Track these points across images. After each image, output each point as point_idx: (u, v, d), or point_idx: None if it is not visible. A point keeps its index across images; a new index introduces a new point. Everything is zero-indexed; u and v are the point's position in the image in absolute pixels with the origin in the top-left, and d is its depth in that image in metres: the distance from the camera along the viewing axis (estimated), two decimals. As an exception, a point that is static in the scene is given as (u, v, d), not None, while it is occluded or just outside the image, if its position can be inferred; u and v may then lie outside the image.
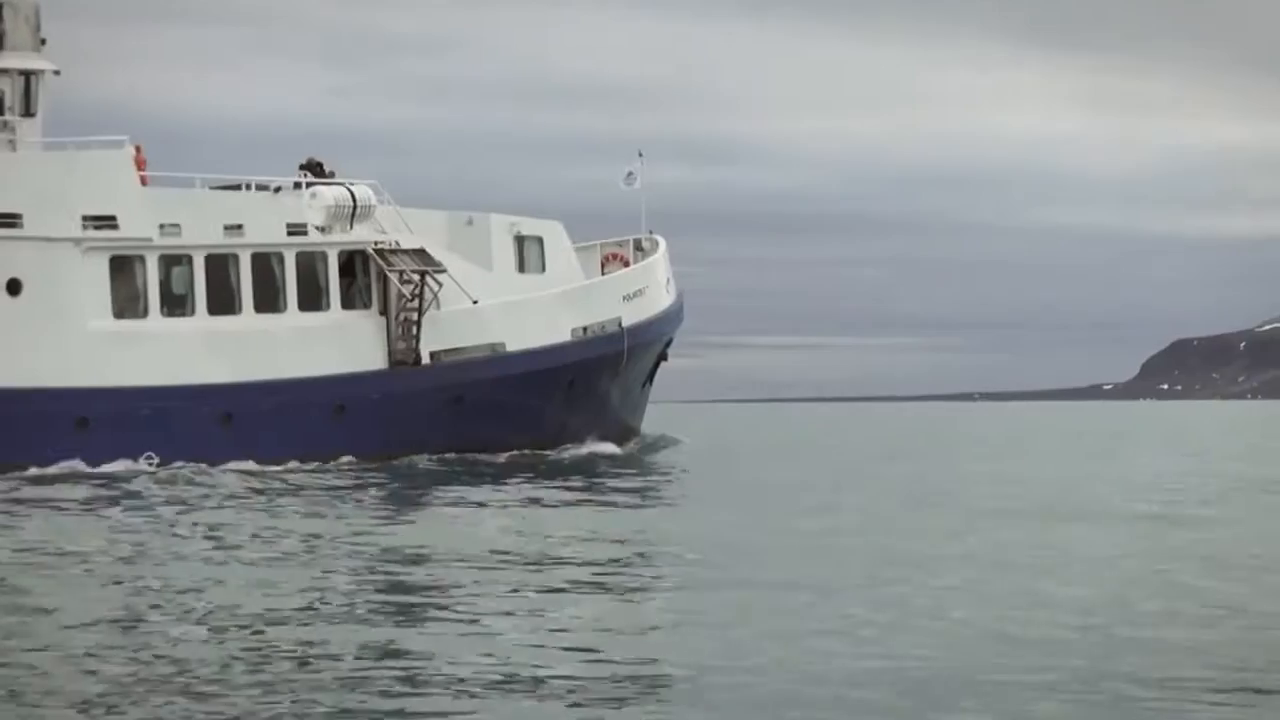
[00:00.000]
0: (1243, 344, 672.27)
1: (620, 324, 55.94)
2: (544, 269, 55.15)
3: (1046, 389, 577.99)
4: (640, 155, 59.18)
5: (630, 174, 58.85)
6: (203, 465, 46.76)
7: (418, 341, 51.24)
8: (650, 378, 59.55)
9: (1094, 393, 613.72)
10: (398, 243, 51.52)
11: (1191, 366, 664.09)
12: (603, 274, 57.66)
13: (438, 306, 51.43)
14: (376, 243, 51.17)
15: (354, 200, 50.66)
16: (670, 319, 58.44)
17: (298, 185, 51.50)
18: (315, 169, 52.72)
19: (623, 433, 58.09)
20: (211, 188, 50.62)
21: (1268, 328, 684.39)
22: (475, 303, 52.18)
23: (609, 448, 55.28)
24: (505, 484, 42.78)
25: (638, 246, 59.03)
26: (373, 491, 41.42)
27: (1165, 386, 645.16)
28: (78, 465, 45.52)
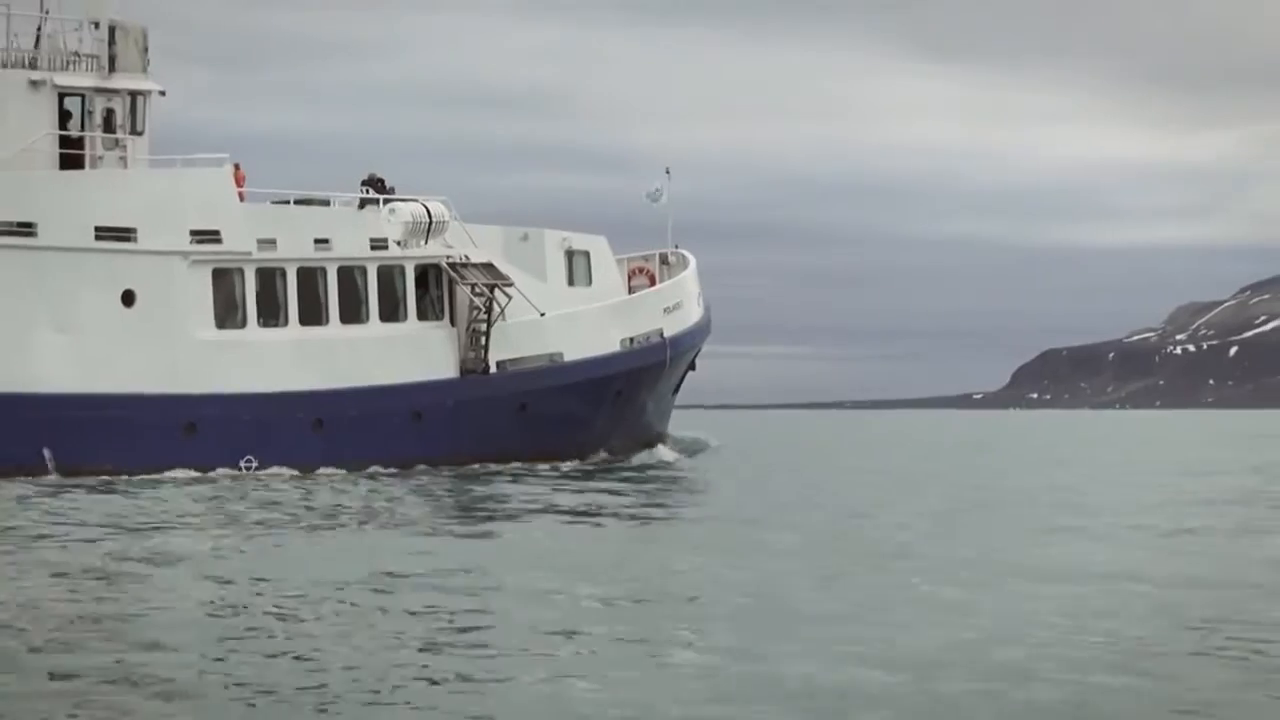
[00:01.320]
0: (1111, 354, 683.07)
1: (662, 335, 58.84)
2: (590, 282, 57.82)
3: (918, 398, 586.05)
4: (667, 173, 62.07)
5: (657, 190, 61.62)
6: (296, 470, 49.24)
7: (486, 351, 53.82)
8: (678, 387, 62.51)
9: (965, 401, 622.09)
10: (467, 257, 54.15)
11: (1061, 376, 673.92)
12: (629, 287, 60.44)
13: (503, 318, 54.03)
14: (448, 257, 53.77)
15: (429, 216, 53.23)
16: (702, 330, 61.39)
17: (363, 202, 53.97)
18: (377, 185, 55.15)
19: (654, 439, 61.01)
20: (295, 201, 53.00)
21: (1136, 338, 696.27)
22: (543, 315, 54.87)
23: (667, 454, 58.36)
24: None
25: (663, 260, 61.78)
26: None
27: (1035, 395, 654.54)
28: (187, 470, 47.77)
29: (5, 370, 45.95)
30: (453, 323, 53.94)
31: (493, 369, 54.12)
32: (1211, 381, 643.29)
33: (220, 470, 48.35)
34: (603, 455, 57.71)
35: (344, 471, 49.92)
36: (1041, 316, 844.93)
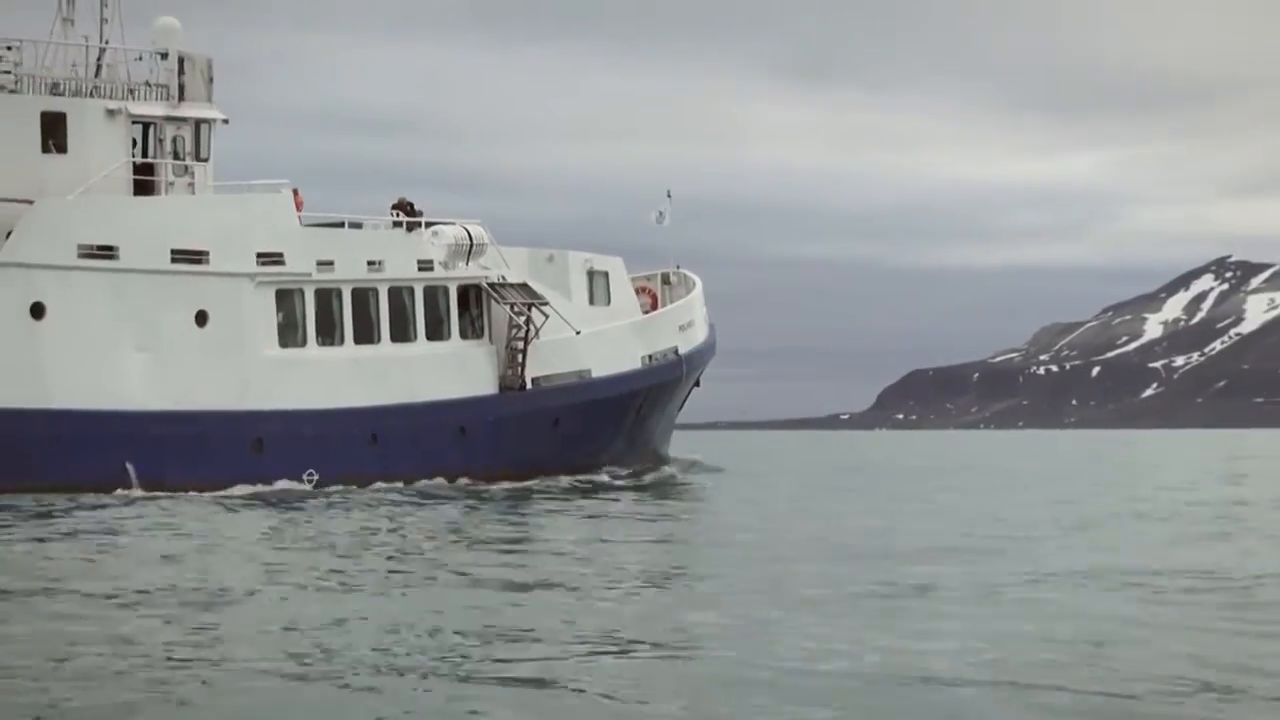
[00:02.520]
0: (975, 375, 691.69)
1: (677, 352, 61.36)
2: (609, 301, 60.12)
3: (787, 419, 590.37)
4: (669, 195, 64.48)
5: (660, 213, 63.99)
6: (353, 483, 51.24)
7: (523, 369, 56.06)
8: (683, 403, 65.00)
9: (832, 422, 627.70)
10: (504, 277, 56.37)
11: (926, 397, 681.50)
12: (631, 306, 62.69)
13: (537, 336, 56.27)
14: (487, 277, 55.96)
15: (470, 238, 55.46)
16: (710, 349, 63.98)
17: (398, 224, 55.94)
18: (407, 208, 57.24)
19: (658, 457, 63.42)
20: (321, 224, 54.80)
21: (1000, 359, 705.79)
22: (578, 333, 57.18)
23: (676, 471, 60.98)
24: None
25: (665, 280, 64.22)
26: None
27: (901, 416, 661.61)
28: (254, 484, 49.62)
29: (91, 387, 47.64)
30: (490, 341, 56.09)
31: (528, 386, 56.30)
32: (1074, 401, 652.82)
33: (283, 484, 50.18)
34: (610, 469, 59.84)
35: (400, 484, 51.85)
36: (907, 337, 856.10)
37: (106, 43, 51.55)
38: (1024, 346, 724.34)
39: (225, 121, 51.84)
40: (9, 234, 47.35)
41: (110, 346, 48.17)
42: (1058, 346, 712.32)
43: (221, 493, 47.87)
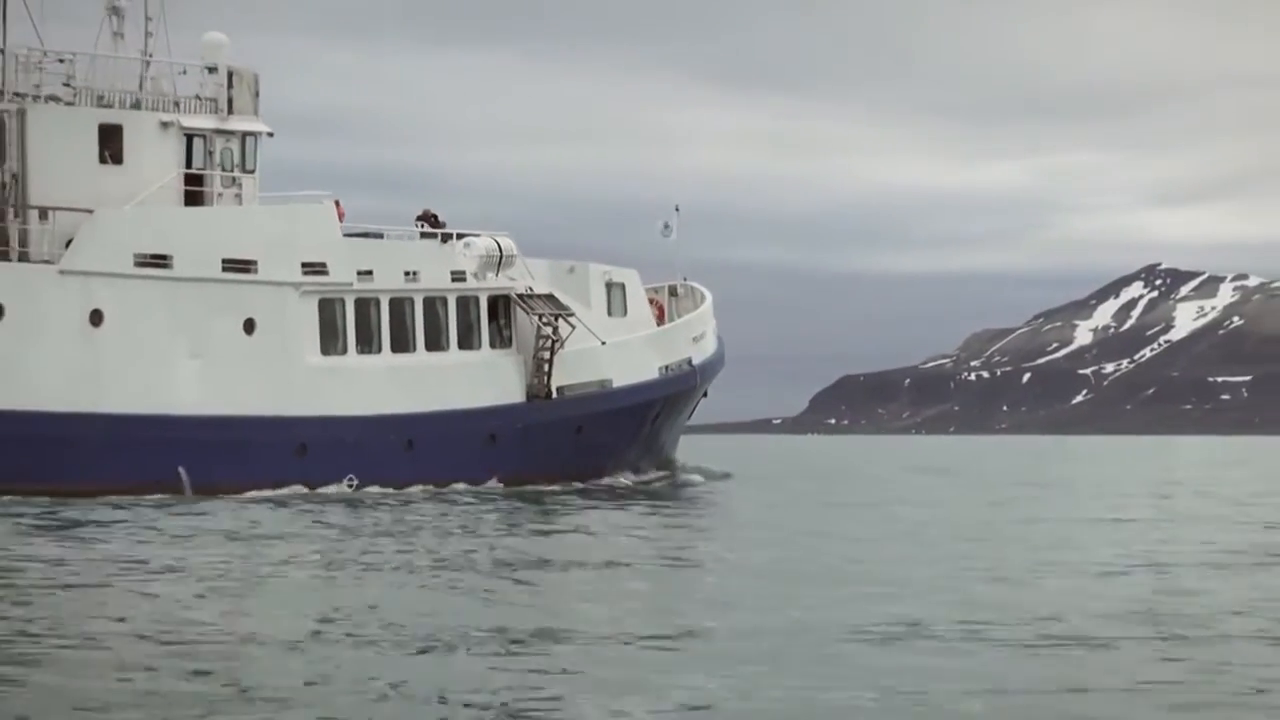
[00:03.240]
0: (907, 381, 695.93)
1: (691, 362, 63.04)
2: (626, 312, 61.68)
3: (718, 422, 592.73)
4: (677, 209, 66.01)
5: (667, 226, 65.44)
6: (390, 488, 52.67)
7: (549, 378, 57.57)
8: (691, 411, 66.67)
9: (764, 426, 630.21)
10: (531, 288, 57.88)
11: (857, 402, 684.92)
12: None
13: (562, 346, 57.78)
14: (515, 288, 57.45)
15: (500, 250, 56.95)
16: (720, 359, 65.71)
17: (426, 235, 57.34)
18: (431, 219, 58.69)
19: (668, 462, 65.11)
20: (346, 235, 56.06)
21: (931, 365, 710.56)
22: (604, 343, 58.75)
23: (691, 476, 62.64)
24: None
25: (672, 292, 65.84)
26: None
27: (833, 421, 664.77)
28: (299, 487, 51.00)
29: (145, 393, 48.90)
30: (517, 350, 57.57)
31: (553, 394, 57.80)
32: (1005, 407, 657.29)
33: (327, 489, 51.51)
34: (625, 476, 61.48)
35: (431, 488, 53.32)
36: (838, 343, 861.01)
37: (151, 55, 52.76)
38: (955, 352, 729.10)
39: (270, 134, 53.14)
40: (68, 242, 48.52)
41: (164, 353, 49.43)
42: (989, 353, 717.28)
43: (267, 492, 49.26)
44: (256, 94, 52.83)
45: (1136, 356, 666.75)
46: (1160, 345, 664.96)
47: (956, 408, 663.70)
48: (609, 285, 61.22)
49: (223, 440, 49.85)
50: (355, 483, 52.33)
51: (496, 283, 57.02)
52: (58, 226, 48.66)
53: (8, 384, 46.78)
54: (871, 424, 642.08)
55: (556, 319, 57.44)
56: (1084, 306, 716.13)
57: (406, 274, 54.91)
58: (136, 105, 50.99)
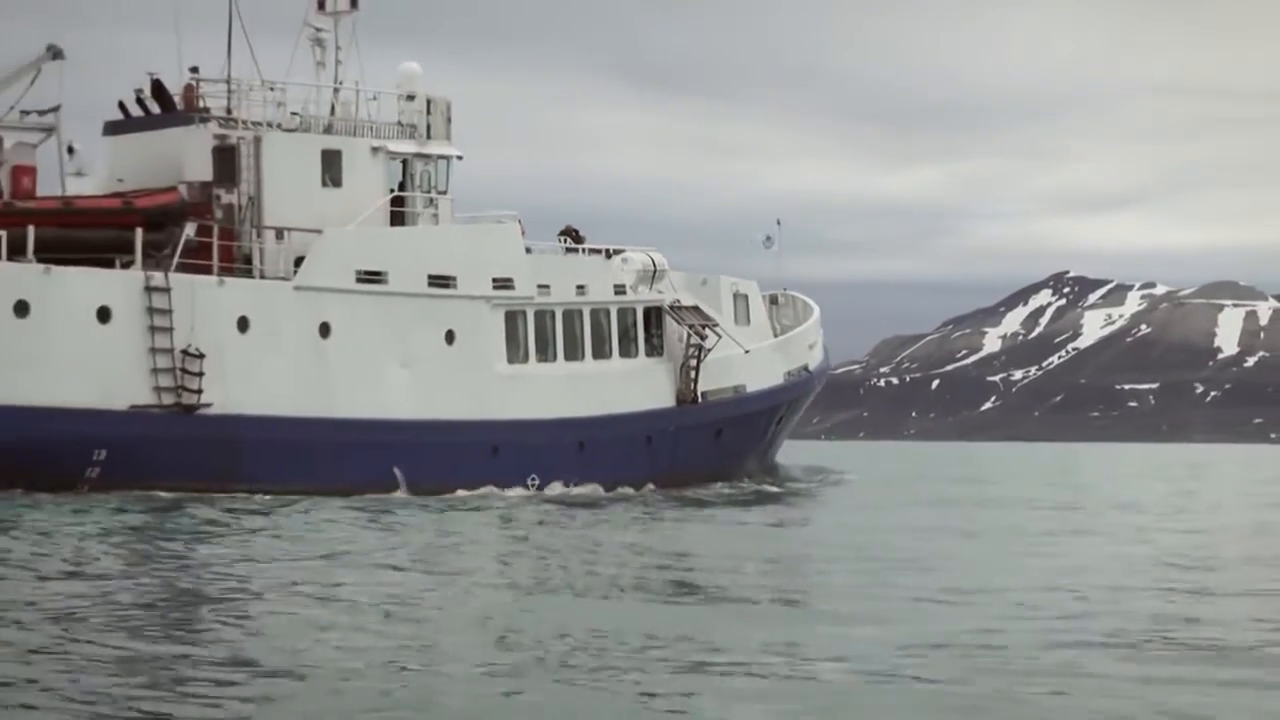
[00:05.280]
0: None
1: (808, 369, 67.70)
2: (749, 321, 66.18)
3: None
4: (778, 223, 70.41)
5: (768, 238, 69.83)
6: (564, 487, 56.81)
7: (696, 384, 61.96)
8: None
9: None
10: (678, 300, 62.23)
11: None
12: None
13: (707, 354, 62.13)
14: (665, 301, 61.79)
15: (654, 265, 61.35)
16: (828, 367, 70.50)
17: (571, 250, 61.53)
18: (573, 234, 62.93)
19: (772, 465, 69.63)
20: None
21: (840, 371, 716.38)
22: (747, 352, 63.20)
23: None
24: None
25: (773, 301, 70.31)
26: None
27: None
28: (491, 487, 54.98)
29: (363, 399, 52.83)
30: (668, 358, 61.87)
31: (699, 399, 62.16)
32: (914, 414, 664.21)
33: (514, 490, 55.56)
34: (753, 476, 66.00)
35: (599, 487, 57.49)
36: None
37: (340, 83, 56.66)
38: (865, 359, 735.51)
39: (460, 158, 57.19)
40: (297, 259, 52.39)
41: (380, 362, 53.34)
42: (898, 359, 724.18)
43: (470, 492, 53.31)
44: (449, 120, 56.83)
45: (1044, 364, 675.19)
46: (1068, 353, 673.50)
47: (866, 414, 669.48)
48: (735, 296, 65.62)
49: (430, 443, 53.78)
50: (537, 482, 56.37)
51: (650, 295, 61.28)
52: (286, 245, 52.51)
53: (250, 391, 50.50)
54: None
55: (704, 328, 61.78)
56: (993, 314, 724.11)
57: (577, 288, 59.07)
58: (351, 132, 54.88)
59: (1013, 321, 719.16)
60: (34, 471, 46.26)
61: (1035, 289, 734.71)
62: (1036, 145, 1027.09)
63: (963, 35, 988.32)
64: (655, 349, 61.65)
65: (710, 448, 62.42)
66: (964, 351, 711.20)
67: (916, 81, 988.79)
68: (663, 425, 60.91)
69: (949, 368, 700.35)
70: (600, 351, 59.70)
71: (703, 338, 61.60)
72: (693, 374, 61.84)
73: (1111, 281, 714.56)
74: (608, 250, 61.23)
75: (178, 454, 48.57)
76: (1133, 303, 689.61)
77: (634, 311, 60.86)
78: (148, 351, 48.84)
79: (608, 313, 60.03)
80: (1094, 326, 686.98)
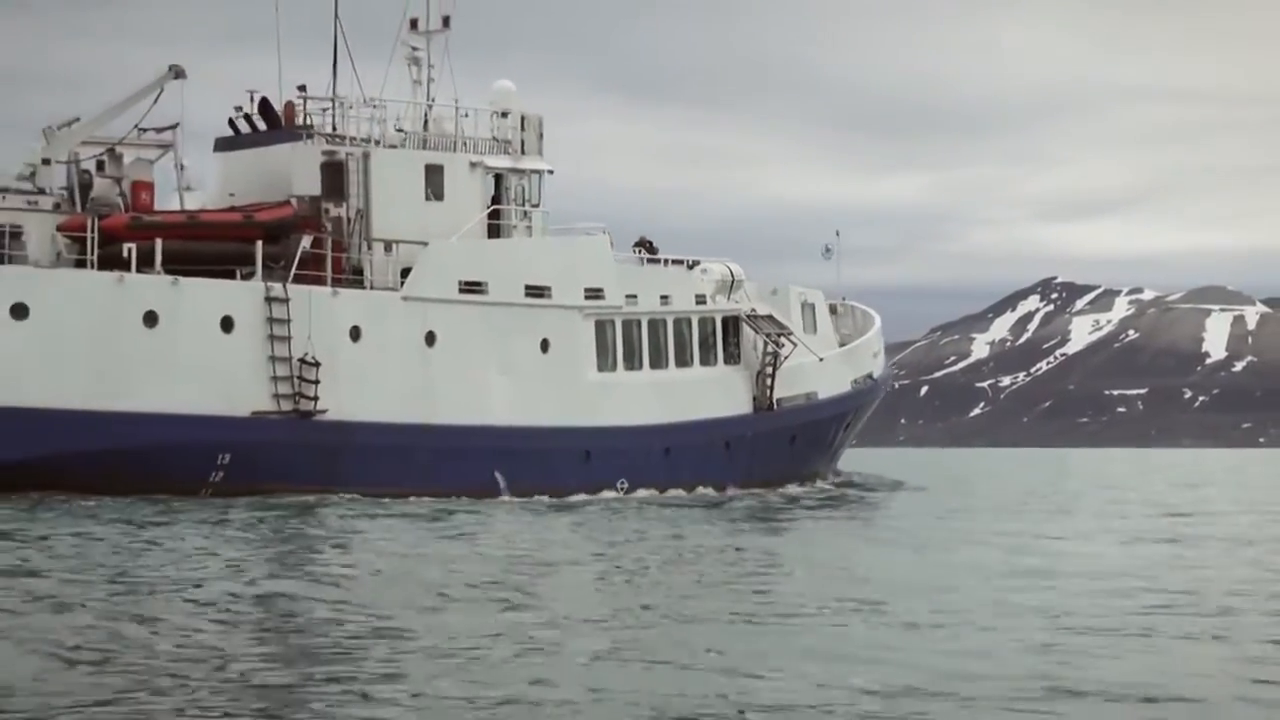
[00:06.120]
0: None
1: (873, 377, 69.77)
2: (816, 330, 68.17)
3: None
4: (838, 235, 72.44)
5: (828, 249, 71.85)
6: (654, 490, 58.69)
7: (772, 391, 63.88)
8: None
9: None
10: (754, 310, 64.14)
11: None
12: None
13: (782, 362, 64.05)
14: (741, 310, 63.70)
15: (732, 275, 63.32)
16: (890, 376, 72.61)
17: (647, 260, 63.40)
18: (647, 245, 64.81)
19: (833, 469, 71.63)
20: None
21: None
22: (821, 360, 65.17)
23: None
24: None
25: (832, 310, 72.20)
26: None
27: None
28: (582, 491, 56.77)
29: (465, 405, 54.66)
30: (744, 365, 63.76)
31: (775, 406, 64.08)
32: (903, 420, 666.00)
33: (604, 493, 57.38)
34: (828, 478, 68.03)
35: (683, 491, 59.35)
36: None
37: (433, 99, 58.52)
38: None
39: (551, 172, 59.08)
40: (404, 270, 54.20)
41: (481, 370, 55.18)
42: (887, 365, 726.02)
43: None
44: (541, 135, 58.72)
45: (1033, 369, 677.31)
46: (1056, 358, 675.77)
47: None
48: (803, 305, 67.58)
49: (528, 448, 55.61)
50: (626, 485, 58.22)
51: (728, 305, 63.20)
52: (393, 257, 54.34)
53: (362, 397, 52.29)
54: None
55: (779, 337, 63.71)
56: (981, 320, 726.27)
57: (661, 298, 60.95)
58: (449, 147, 56.74)
59: (1001, 327, 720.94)
60: (160, 476, 48.01)
61: (1023, 295, 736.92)
62: (1023, 151, 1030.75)
63: (951, 42, 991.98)
64: (733, 357, 63.52)
65: (784, 453, 64.32)
66: (952, 358, 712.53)
67: (904, 88, 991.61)
68: (741, 431, 62.78)
69: (937, 374, 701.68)
70: (683, 359, 61.56)
71: (779, 346, 63.49)
72: (769, 381, 63.72)
73: (1099, 287, 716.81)
74: (690, 261, 63.09)
75: (295, 458, 50.35)
76: (1120, 308, 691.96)
77: (714, 320, 62.73)
78: (267, 359, 50.62)
79: (689, 322, 61.90)
80: (1082, 332, 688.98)
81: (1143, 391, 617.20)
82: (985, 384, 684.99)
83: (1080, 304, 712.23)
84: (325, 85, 56.44)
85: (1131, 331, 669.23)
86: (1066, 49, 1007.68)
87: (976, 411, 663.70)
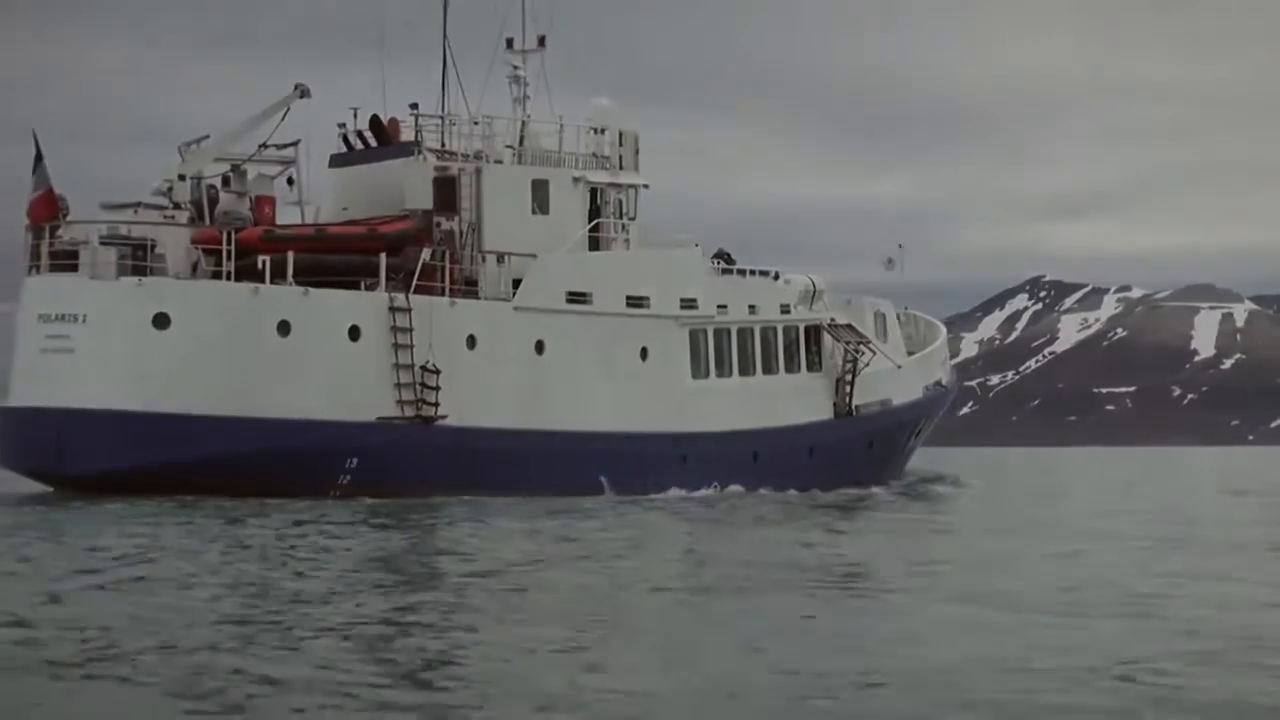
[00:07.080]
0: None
1: (942, 384, 72.08)
2: (886, 338, 70.35)
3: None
4: (900, 247, 74.67)
5: (890, 260, 74.17)
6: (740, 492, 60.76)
7: (851, 398, 66.06)
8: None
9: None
10: (834, 319, 66.30)
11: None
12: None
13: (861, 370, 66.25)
14: (821, 320, 65.87)
15: (814, 286, 65.50)
16: (957, 383, 74.92)
17: (725, 271, 65.48)
18: (725, 257, 66.85)
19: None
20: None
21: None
22: (899, 367, 67.40)
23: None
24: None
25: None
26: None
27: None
28: (680, 493, 58.82)
29: (575, 411, 56.77)
30: (825, 373, 65.91)
31: (854, 412, 66.25)
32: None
33: (699, 494, 59.45)
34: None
35: (770, 491, 61.42)
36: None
37: (529, 116, 60.58)
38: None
39: (646, 186, 61.18)
40: (515, 281, 56.27)
41: (586, 377, 57.26)
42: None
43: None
44: (637, 151, 60.84)
45: (1022, 368, 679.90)
46: (1045, 357, 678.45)
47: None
48: (875, 315, 69.76)
49: (630, 452, 57.70)
50: (717, 488, 60.28)
51: (810, 314, 65.36)
52: (505, 268, 56.41)
53: (478, 404, 54.37)
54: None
55: (859, 346, 65.89)
56: (969, 319, 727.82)
57: (749, 308, 63.07)
58: (552, 163, 58.85)
59: (989, 326, 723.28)
60: (290, 479, 50.03)
61: (1011, 294, 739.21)
62: (1010, 150, 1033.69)
63: (937, 42, 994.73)
64: (814, 364, 65.64)
65: (863, 457, 66.49)
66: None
67: (891, 87, 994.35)
68: (824, 437, 64.92)
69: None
70: (769, 367, 63.69)
71: (858, 354, 65.64)
72: (848, 388, 65.87)
73: (1087, 285, 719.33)
74: (775, 273, 65.24)
75: (418, 463, 52.43)
76: (1109, 306, 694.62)
77: (797, 329, 64.89)
78: (392, 367, 52.67)
79: (775, 330, 64.04)
80: (1070, 330, 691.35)
81: (1131, 389, 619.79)
82: (974, 383, 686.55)
83: (1068, 302, 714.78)
84: (425, 102, 58.62)
85: (1120, 330, 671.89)
86: (1054, 47, 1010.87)
87: (965, 410, 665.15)
